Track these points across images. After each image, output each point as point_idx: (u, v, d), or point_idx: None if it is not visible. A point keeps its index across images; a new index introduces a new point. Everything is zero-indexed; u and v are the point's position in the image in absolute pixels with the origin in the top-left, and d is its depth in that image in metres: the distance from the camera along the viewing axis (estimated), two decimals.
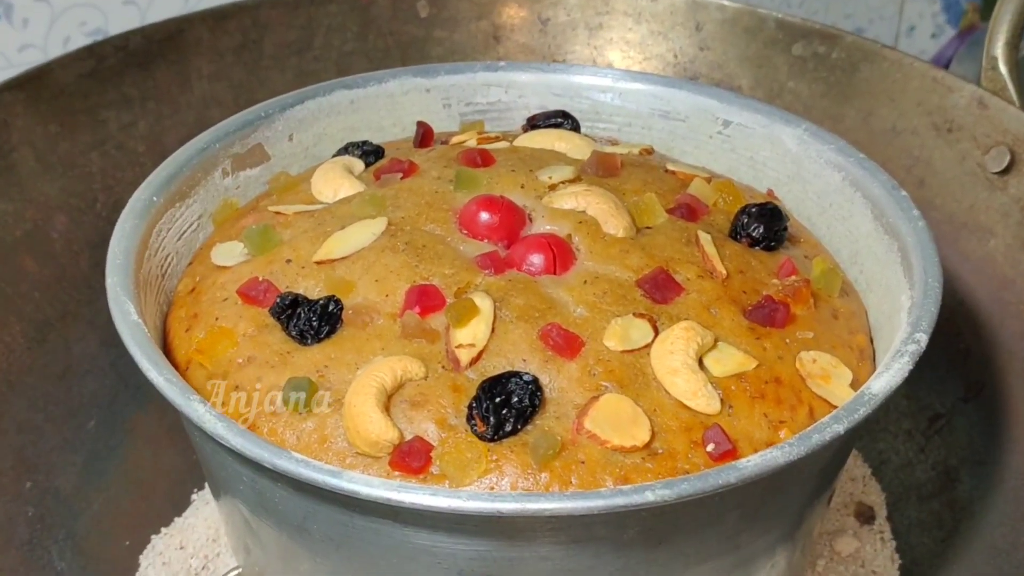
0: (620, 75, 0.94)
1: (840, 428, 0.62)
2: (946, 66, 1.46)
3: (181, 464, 0.96)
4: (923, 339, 0.68)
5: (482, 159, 0.80)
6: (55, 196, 0.97)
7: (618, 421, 0.64)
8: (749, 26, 1.10)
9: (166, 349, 0.75)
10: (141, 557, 0.91)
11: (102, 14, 1.18)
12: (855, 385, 0.70)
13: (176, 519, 0.94)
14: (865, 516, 0.94)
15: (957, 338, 0.93)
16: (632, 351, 0.67)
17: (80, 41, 1.16)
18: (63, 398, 0.93)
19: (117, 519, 0.92)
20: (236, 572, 0.81)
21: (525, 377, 0.64)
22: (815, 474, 0.70)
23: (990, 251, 0.93)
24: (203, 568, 0.90)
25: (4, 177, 0.95)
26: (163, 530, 0.93)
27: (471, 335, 0.67)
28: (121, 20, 1.18)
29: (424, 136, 0.87)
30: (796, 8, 1.58)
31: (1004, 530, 0.83)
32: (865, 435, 0.99)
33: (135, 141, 1.03)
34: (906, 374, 0.66)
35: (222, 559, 0.90)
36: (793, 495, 0.70)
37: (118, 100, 1.03)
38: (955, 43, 1.63)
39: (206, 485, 0.94)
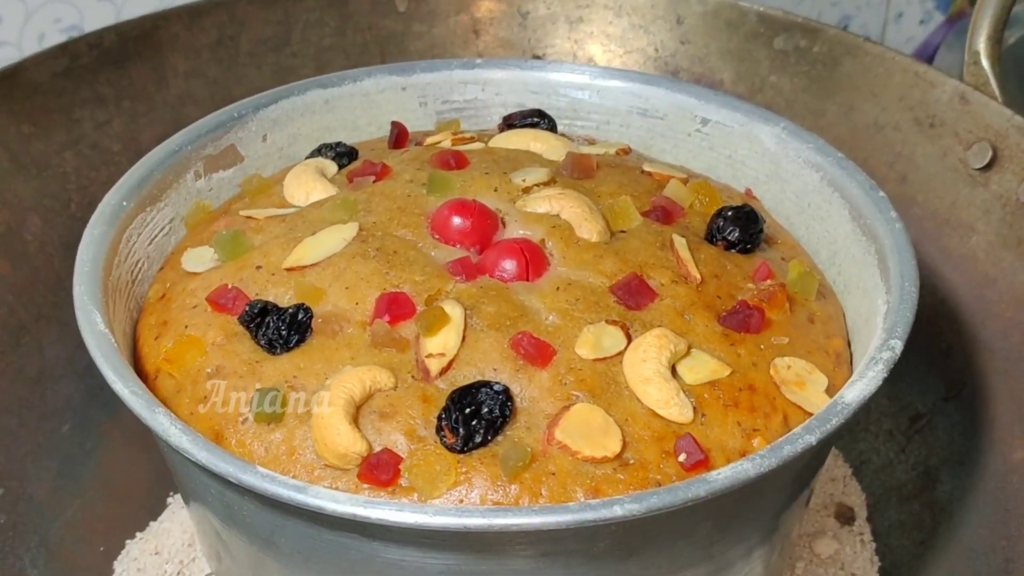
0: (598, 72, 0.93)
1: (812, 439, 0.62)
2: (933, 53, 1.44)
3: (157, 468, 0.95)
4: (898, 346, 0.67)
5: (456, 161, 0.80)
6: (29, 197, 0.96)
7: (589, 431, 0.64)
8: (730, 19, 1.09)
9: (136, 357, 0.74)
10: (116, 563, 0.91)
11: (77, 11, 1.16)
12: (831, 391, 0.70)
13: (151, 524, 0.94)
14: (845, 517, 0.93)
15: (938, 337, 0.93)
16: (604, 359, 0.67)
17: (55, 38, 1.15)
18: (37, 402, 0.92)
19: (91, 525, 0.91)
20: None
21: (495, 387, 0.64)
22: (790, 481, 0.69)
23: (972, 248, 0.92)
24: (178, 574, 0.89)
25: None
26: (138, 535, 0.93)
27: (441, 344, 0.67)
28: (96, 16, 1.17)
29: (398, 137, 0.86)
30: None
31: (983, 532, 0.83)
32: (846, 435, 0.99)
33: (110, 140, 1.02)
34: (880, 383, 0.65)
35: (198, 564, 0.90)
36: (768, 503, 0.69)
37: (92, 99, 1.01)
38: (944, 29, 1.62)
39: None
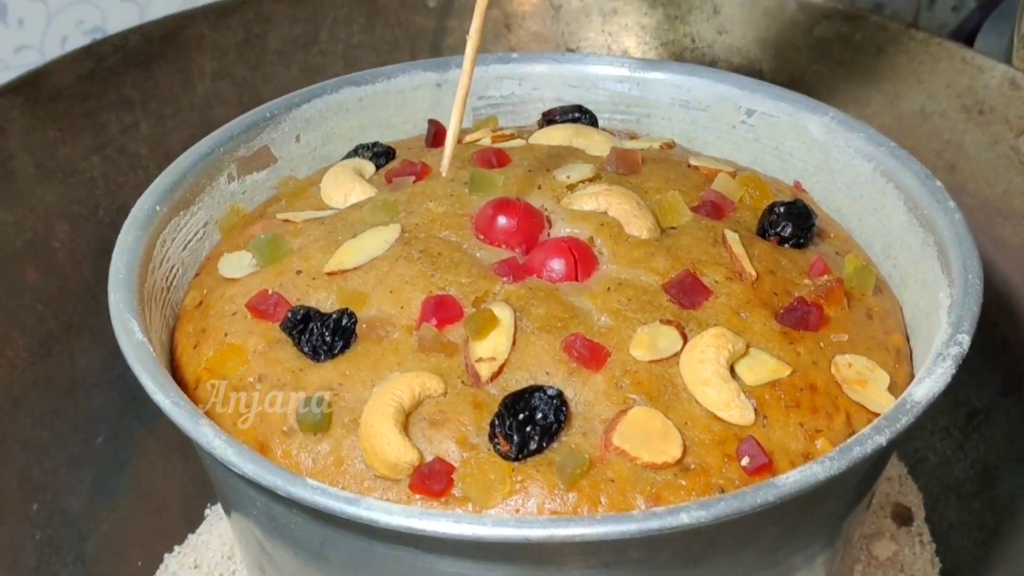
0: (637, 64, 0.90)
1: (882, 440, 0.59)
2: (969, 40, 1.42)
3: (193, 478, 0.93)
4: (965, 341, 0.65)
5: (497, 159, 0.77)
6: (56, 203, 0.94)
7: (648, 436, 0.61)
8: (769, 8, 1.06)
9: (174, 366, 0.72)
10: None
11: (100, 12, 1.14)
12: (893, 389, 0.67)
13: (190, 536, 0.92)
14: (903, 518, 0.91)
15: (994, 329, 0.90)
16: (660, 361, 0.64)
17: (78, 40, 1.13)
18: (69, 413, 0.91)
19: (128, 539, 0.90)
20: None
21: (549, 391, 0.61)
22: (855, 484, 0.67)
23: None
24: None
25: (2, 185, 0.92)
26: (176, 548, 0.91)
27: (491, 348, 0.64)
28: (120, 18, 1.15)
29: (436, 135, 0.83)
30: None
31: None
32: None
33: (137, 144, 1.00)
34: (949, 379, 0.63)
35: None
36: (833, 506, 0.67)
37: (118, 102, 1.00)
38: (977, 16, 1.59)
39: None
